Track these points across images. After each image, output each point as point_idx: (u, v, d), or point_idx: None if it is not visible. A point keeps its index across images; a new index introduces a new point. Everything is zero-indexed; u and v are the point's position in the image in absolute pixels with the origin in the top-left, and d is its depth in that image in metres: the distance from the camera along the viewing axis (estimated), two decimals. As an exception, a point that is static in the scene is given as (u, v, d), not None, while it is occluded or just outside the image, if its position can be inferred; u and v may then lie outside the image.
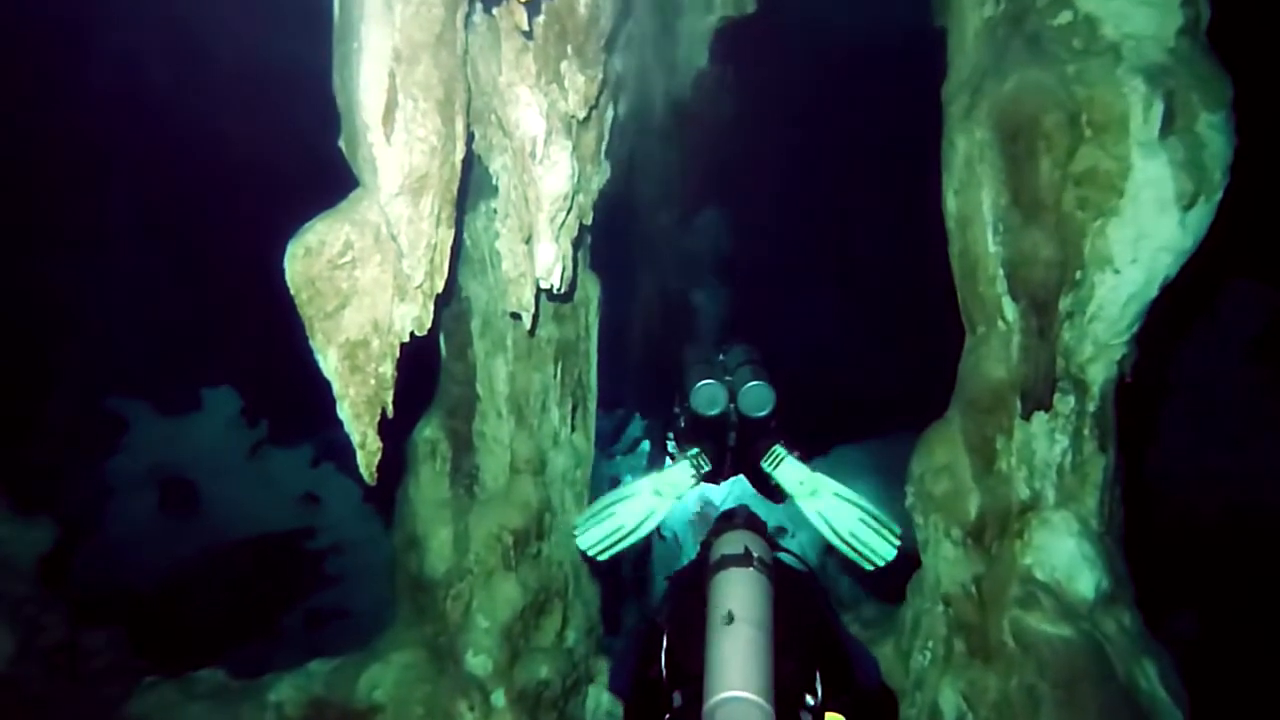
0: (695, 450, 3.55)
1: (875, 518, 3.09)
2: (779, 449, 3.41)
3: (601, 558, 3.57)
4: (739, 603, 2.36)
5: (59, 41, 9.05)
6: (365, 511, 8.46)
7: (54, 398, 8.63)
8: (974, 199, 3.27)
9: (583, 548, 3.55)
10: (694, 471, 3.50)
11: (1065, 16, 2.98)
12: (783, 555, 2.85)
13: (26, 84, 8.79)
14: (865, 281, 10.35)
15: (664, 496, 3.54)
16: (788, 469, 3.37)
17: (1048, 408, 3.19)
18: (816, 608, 2.69)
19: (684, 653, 2.36)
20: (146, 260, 9.09)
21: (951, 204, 3.43)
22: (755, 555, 2.52)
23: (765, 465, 3.49)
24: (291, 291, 2.67)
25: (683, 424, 4.06)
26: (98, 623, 5.29)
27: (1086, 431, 3.26)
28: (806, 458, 3.44)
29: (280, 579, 8.30)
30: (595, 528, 3.48)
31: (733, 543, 2.61)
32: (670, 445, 4.38)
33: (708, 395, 3.68)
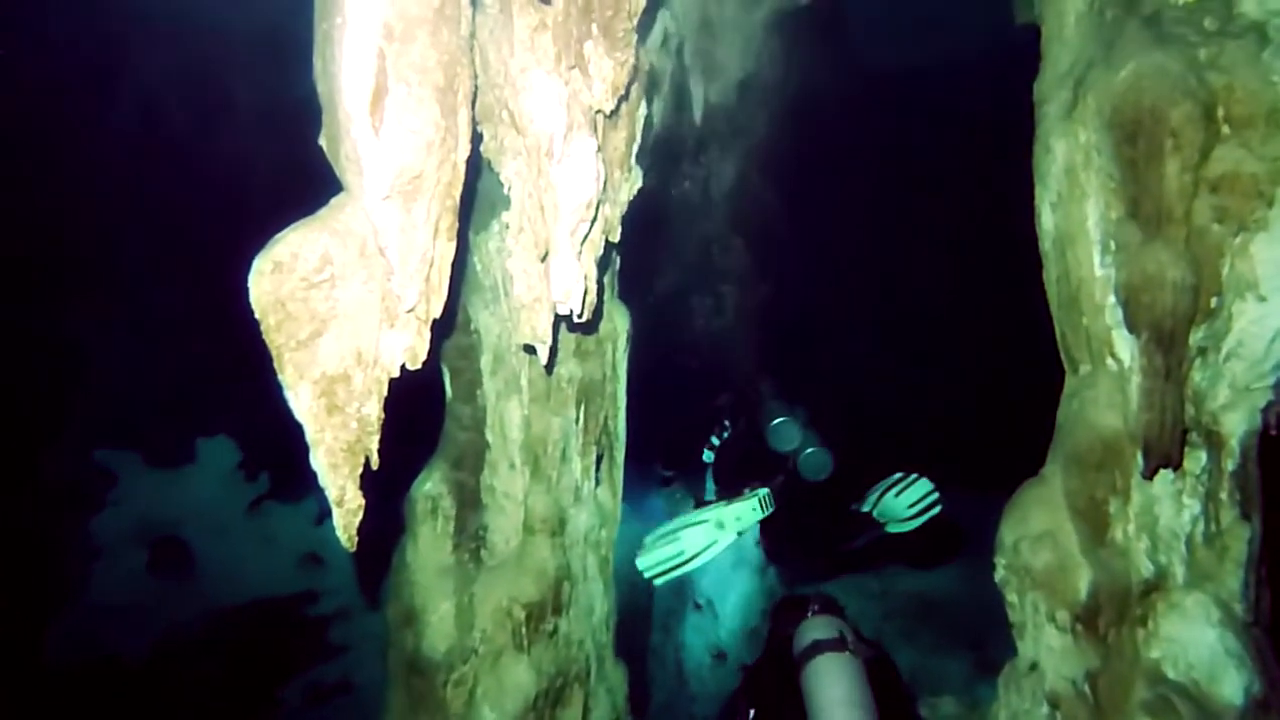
0: (764, 491, 3.98)
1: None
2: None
3: (657, 582, 3.97)
4: (845, 688, 2.54)
5: (67, 91, 9.07)
6: (373, 574, 8.12)
7: (48, 451, 8.42)
8: (1077, 213, 2.86)
9: (641, 568, 3.92)
10: (759, 509, 3.88)
11: (1194, -9, 2.59)
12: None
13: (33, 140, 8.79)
14: (917, 323, 9.90)
15: (726, 529, 3.92)
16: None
17: (1176, 465, 2.72)
18: (901, 691, 2.90)
19: None
20: (142, 303, 8.95)
21: (1048, 221, 3.02)
22: (849, 640, 2.71)
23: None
24: (257, 315, 2.30)
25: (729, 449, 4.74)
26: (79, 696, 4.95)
27: (1224, 495, 2.78)
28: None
29: (279, 649, 7.91)
30: (656, 550, 3.83)
31: (823, 628, 2.79)
32: (707, 455, 5.03)
33: (783, 433, 4.26)
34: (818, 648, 2.66)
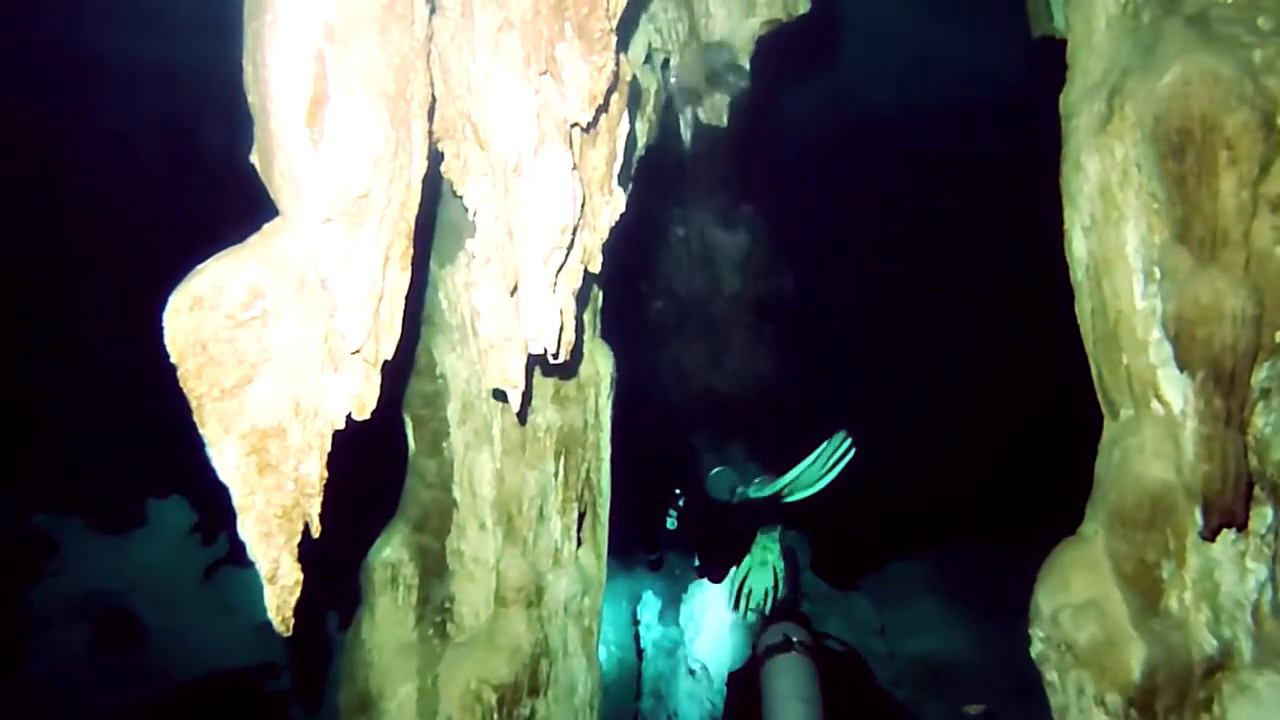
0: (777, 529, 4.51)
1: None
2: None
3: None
4: (787, 684, 2.92)
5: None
6: (341, 644, 7.78)
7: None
8: (1114, 238, 2.64)
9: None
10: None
11: (1244, -12, 2.40)
12: (829, 643, 3.40)
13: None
14: (918, 361, 9.71)
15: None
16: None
17: (1242, 524, 2.45)
18: (864, 683, 3.32)
19: None
20: (88, 352, 8.70)
21: (1079, 247, 2.80)
22: (795, 640, 3.05)
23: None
24: (173, 359, 2.03)
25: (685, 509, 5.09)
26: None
27: (1294, 558, 2.51)
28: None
29: (238, 727, 7.53)
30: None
31: (773, 633, 3.17)
32: (670, 522, 5.30)
33: (721, 482, 4.47)
34: (768, 652, 3.06)
